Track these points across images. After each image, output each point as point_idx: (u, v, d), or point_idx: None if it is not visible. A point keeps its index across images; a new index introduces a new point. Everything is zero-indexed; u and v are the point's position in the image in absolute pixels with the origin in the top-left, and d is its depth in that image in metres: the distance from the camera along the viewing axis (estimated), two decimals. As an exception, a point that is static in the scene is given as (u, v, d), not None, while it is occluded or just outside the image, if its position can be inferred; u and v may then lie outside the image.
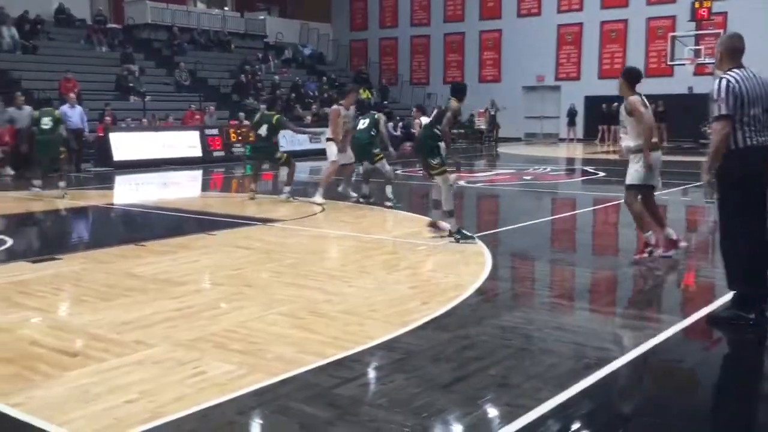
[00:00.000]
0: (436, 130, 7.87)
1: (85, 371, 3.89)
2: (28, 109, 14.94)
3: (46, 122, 12.24)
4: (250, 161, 13.38)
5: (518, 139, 28.65)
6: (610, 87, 26.56)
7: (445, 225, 7.78)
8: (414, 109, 18.33)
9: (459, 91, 8.17)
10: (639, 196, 6.75)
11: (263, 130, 11.34)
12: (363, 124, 10.72)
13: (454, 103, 7.85)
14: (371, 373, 4.06)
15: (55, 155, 12.39)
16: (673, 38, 24.13)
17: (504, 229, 9.03)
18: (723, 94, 4.59)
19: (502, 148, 25.06)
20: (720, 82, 4.64)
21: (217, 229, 8.58)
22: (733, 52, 4.79)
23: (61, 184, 12.04)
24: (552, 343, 4.42)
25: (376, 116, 10.82)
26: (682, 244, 6.88)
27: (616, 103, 26.97)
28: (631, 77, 6.58)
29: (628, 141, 6.77)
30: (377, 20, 32.90)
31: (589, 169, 17.44)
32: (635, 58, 24.53)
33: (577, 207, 11.52)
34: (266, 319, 4.85)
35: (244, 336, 4.48)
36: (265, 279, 6.07)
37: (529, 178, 14.88)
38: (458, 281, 5.94)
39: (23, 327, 4.73)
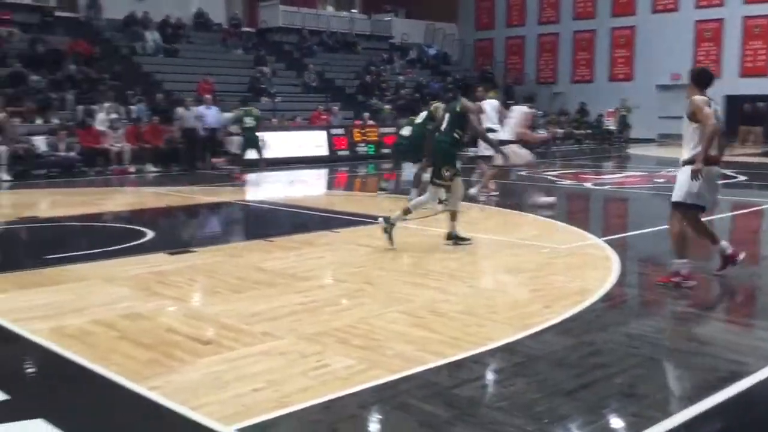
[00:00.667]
0: (456, 135, 7.48)
1: (216, 359, 4.09)
2: (214, 109, 16.24)
3: (249, 121, 13.53)
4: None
5: (651, 140, 27.47)
6: (754, 85, 25.01)
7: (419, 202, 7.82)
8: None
9: (469, 89, 8.28)
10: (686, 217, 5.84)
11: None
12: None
13: (468, 103, 7.56)
14: (491, 375, 4.03)
15: (257, 148, 13.72)
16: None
17: (633, 233, 8.70)
18: None
19: (634, 150, 24.11)
20: None
21: (340, 226, 8.77)
22: None
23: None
24: (683, 354, 4.23)
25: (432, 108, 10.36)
26: (741, 256, 6.08)
27: (762, 103, 25.48)
28: (701, 79, 5.74)
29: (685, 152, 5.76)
30: (504, 19, 32.51)
31: (727, 172, 16.49)
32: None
33: (713, 212, 10.92)
34: (386, 317, 4.91)
35: (365, 332, 4.56)
36: (385, 277, 6.15)
37: (661, 180, 14.23)
38: (583, 286, 5.77)
39: (161, 315, 5.02)
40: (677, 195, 5.81)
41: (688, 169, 5.66)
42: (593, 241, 7.79)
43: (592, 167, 17.28)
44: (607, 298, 5.48)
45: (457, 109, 7.56)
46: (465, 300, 5.36)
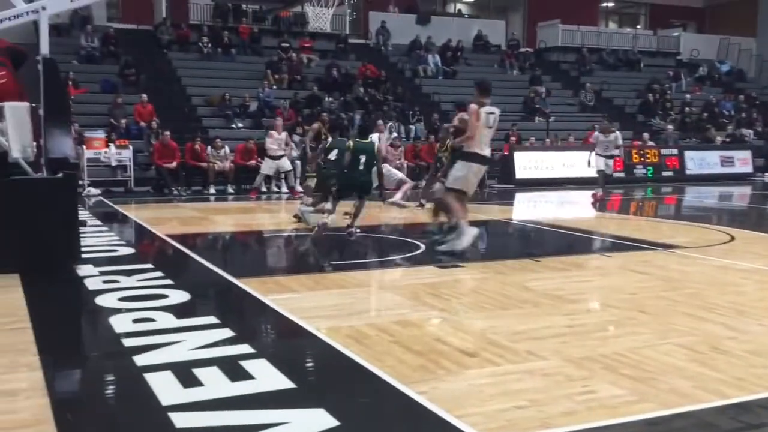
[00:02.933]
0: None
1: (481, 372, 4.15)
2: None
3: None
4: None
5: None
6: None
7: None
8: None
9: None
10: None
11: None
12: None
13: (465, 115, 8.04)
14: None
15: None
16: None
17: None
18: None
19: None
20: None
21: (613, 251, 8.43)
22: None
23: None
24: None
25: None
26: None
27: None
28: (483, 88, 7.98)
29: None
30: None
31: None
32: None
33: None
34: (660, 349, 4.61)
35: (635, 362, 4.33)
36: (661, 307, 5.78)
37: None
38: None
39: (430, 324, 5.22)
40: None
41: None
42: None
43: None
44: None
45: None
46: (755, 338, 4.85)
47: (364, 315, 5.43)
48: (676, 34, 29.44)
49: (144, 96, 17.45)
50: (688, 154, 20.48)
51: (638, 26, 30.51)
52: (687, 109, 23.74)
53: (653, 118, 22.66)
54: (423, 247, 8.64)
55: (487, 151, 8.07)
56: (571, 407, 3.62)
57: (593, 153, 13.93)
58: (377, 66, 22.27)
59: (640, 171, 19.31)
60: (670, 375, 4.10)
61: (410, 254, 8.19)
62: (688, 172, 19.97)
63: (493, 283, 6.67)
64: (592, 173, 14.18)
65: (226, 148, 16.20)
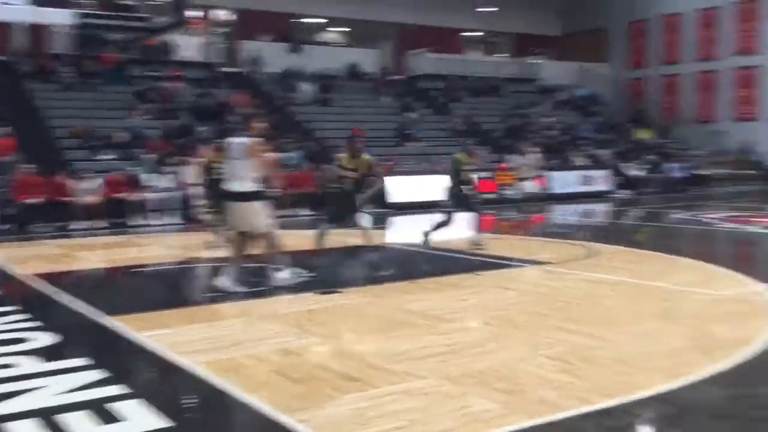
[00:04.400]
0: None
1: (361, 396, 4.19)
2: None
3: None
4: None
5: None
6: None
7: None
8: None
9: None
10: None
11: None
12: None
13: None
14: (641, 426, 3.86)
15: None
16: None
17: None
18: None
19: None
20: None
21: (486, 269, 8.74)
22: None
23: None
24: None
25: None
26: None
27: None
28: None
29: None
30: (658, 57, 31.41)
31: None
32: None
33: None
34: (531, 361, 4.83)
35: (508, 376, 4.51)
36: (532, 321, 6.06)
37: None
38: (744, 335, 5.40)
39: (310, 351, 5.23)
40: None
41: None
42: (757, 288, 7.28)
43: (758, 209, 16.16)
44: (772, 348, 5.09)
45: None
46: (618, 347, 5.17)
47: (243, 346, 5.36)
48: (537, 61, 31.05)
49: (4, 129, 16.50)
50: (551, 174, 21.59)
51: (502, 54, 31.97)
52: (548, 132, 25.02)
53: (519, 141, 23.73)
54: (306, 274, 8.62)
55: (235, 186, 7.39)
56: (449, 424, 3.73)
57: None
58: (251, 94, 22.14)
59: (508, 192, 20.15)
60: (540, 386, 4.31)
61: (287, 283, 8.14)
62: (552, 191, 21.02)
63: (372, 306, 6.75)
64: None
65: (96, 181, 15.56)
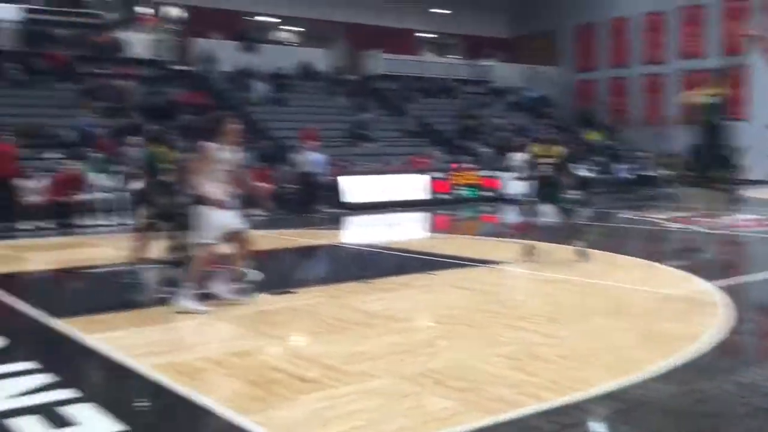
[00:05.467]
0: None
1: (318, 396, 4.20)
2: None
3: None
4: None
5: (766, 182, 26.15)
6: None
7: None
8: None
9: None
10: None
11: None
12: None
13: None
14: (592, 422, 3.95)
15: None
16: None
17: (747, 278, 8.32)
18: None
19: (749, 192, 23.03)
20: None
21: (440, 269, 8.81)
22: None
23: None
24: (799, 406, 4.01)
25: None
26: None
27: None
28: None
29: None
30: (606, 60, 32.05)
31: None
32: None
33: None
34: (485, 359, 4.90)
35: (462, 374, 4.57)
36: (484, 319, 6.14)
37: (777, 223, 13.54)
38: (690, 331, 5.57)
39: (265, 353, 5.20)
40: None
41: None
42: (703, 287, 7.50)
43: (702, 210, 16.61)
44: (717, 344, 5.26)
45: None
46: (566, 344, 5.28)
47: (197, 348, 5.31)
48: (488, 63, 31.38)
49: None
50: (504, 174, 21.84)
51: (455, 56, 32.24)
52: (499, 133, 25.34)
53: (471, 142, 23.97)
54: (260, 275, 8.56)
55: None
56: (405, 423, 3.76)
57: None
58: (203, 93, 21.87)
59: (462, 192, 20.34)
60: (494, 384, 4.37)
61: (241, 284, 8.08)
62: (505, 191, 21.26)
63: (327, 307, 6.75)
64: (418, 196, 14.71)
65: (42, 181, 15.17)
